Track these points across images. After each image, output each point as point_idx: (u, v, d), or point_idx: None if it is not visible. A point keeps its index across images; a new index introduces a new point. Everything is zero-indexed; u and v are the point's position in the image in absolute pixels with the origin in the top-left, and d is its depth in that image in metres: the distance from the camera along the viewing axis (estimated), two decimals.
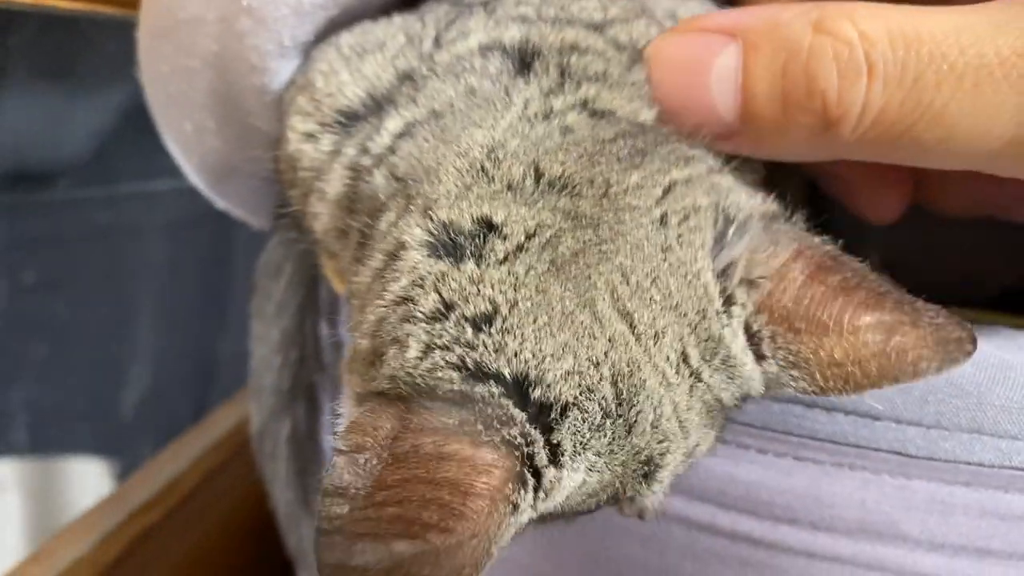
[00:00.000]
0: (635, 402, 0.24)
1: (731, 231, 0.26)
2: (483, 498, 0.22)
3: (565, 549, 0.35)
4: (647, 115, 0.30)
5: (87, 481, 0.69)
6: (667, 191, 0.26)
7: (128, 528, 0.53)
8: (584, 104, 0.28)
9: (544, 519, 0.25)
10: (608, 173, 0.26)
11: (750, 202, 0.27)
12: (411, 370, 0.24)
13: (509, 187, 0.26)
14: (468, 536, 0.21)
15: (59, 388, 0.59)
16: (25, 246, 0.53)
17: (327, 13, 0.33)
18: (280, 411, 0.43)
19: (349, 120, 0.30)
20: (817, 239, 0.26)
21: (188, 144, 0.41)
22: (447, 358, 0.24)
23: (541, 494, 0.23)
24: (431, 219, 0.26)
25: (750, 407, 0.31)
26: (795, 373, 0.25)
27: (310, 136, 0.31)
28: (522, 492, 0.23)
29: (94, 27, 0.52)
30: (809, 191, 0.41)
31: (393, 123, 0.29)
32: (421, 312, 0.24)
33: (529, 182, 0.26)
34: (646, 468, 0.25)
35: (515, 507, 0.23)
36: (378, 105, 0.30)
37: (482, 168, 0.26)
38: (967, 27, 0.26)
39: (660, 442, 0.25)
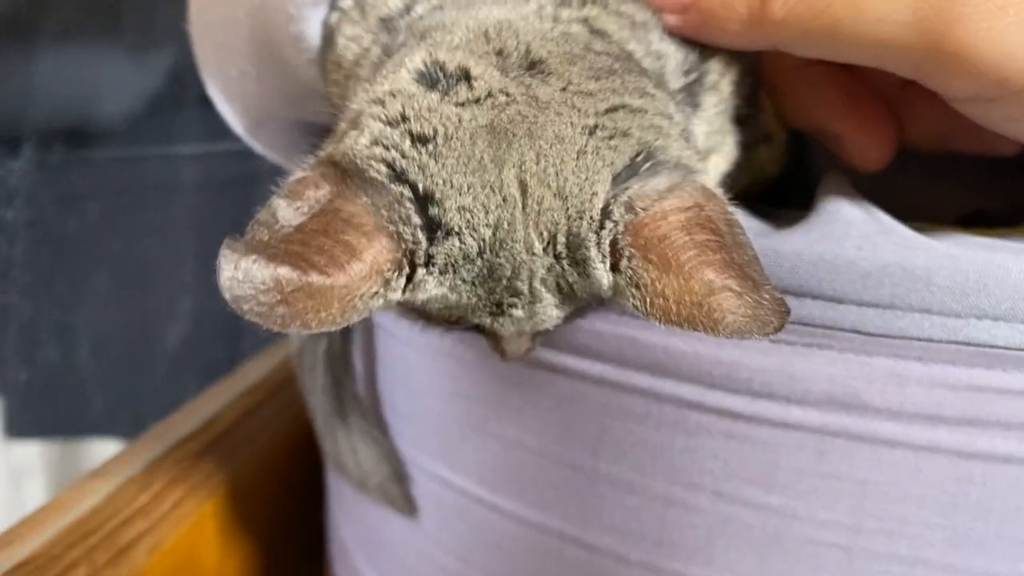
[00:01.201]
0: (501, 255, 0.29)
1: (645, 167, 0.29)
2: (364, 264, 0.27)
3: (571, 430, 0.39)
4: (633, 47, 0.34)
5: None
6: (611, 110, 0.30)
7: (172, 456, 0.57)
8: (585, 20, 0.33)
9: (414, 311, 0.31)
10: (576, 76, 0.31)
11: (679, 153, 0.31)
12: (358, 152, 0.29)
13: (499, 53, 0.31)
14: (340, 285, 0.26)
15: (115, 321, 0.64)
16: (83, 197, 0.58)
17: None
18: None
19: (388, 24, 0.36)
20: (721, 207, 0.29)
21: (232, 90, 0.46)
22: (384, 155, 0.29)
23: (409, 286, 0.29)
24: (430, 55, 0.31)
25: None
26: (634, 291, 0.28)
27: (356, 38, 0.36)
28: (395, 276, 0.28)
29: None
30: (793, 137, 0.46)
31: (423, 6, 0.35)
32: (385, 115, 0.29)
33: (516, 57, 0.31)
34: (496, 310, 0.30)
35: (386, 283, 0.28)
36: (408, 7, 0.35)
37: (486, 34, 0.32)
38: None
39: (511, 295, 0.30)
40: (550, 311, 0.31)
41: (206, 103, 0.49)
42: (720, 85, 0.37)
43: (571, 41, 0.32)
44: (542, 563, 0.41)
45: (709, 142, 0.37)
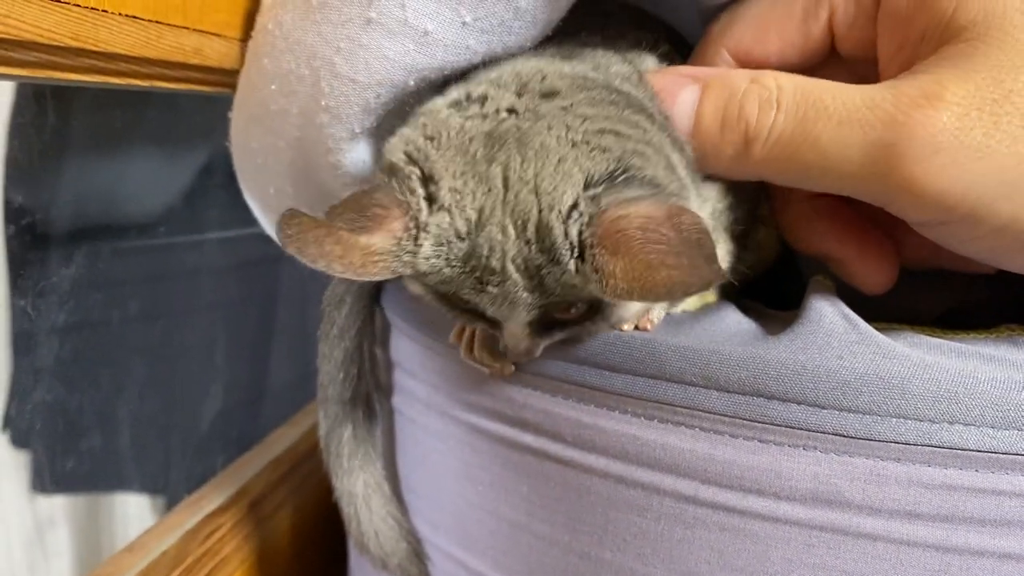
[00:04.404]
0: (481, 236, 0.34)
1: (620, 179, 0.34)
2: (382, 230, 0.34)
3: (577, 520, 0.41)
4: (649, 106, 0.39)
5: (132, 516, 0.75)
6: (601, 132, 0.36)
7: (203, 529, 0.60)
8: (608, 85, 0.39)
9: (433, 293, 0.37)
10: (579, 101, 0.37)
11: (655, 174, 0.35)
12: (389, 147, 0.37)
13: (523, 85, 0.38)
14: (363, 243, 0.34)
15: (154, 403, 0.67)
16: (123, 290, 0.62)
17: (388, 108, 0.42)
18: (343, 418, 0.51)
19: None
20: (687, 220, 0.32)
21: (269, 204, 0.50)
22: (404, 147, 0.36)
23: (415, 248, 0.35)
24: (465, 89, 0.38)
25: (720, 400, 0.38)
26: (594, 275, 0.33)
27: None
28: (405, 238, 0.35)
29: (187, 100, 0.61)
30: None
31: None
32: (412, 124, 0.38)
33: (535, 87, 0.37)
34: (478, 285, 0.35)
35: (399, 243, 0.34)
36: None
37: (519, 74, 0.38)
38: (845, 88, 0.35)
39: (488, 273, 0.35)
40: (521, 293, 0.35)
41: (231, 191, 0.53)
42: (716, 205, 0.41)
43: (589, 82, 0.38)
44: None
45: None
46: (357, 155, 0.43)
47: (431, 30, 0.39)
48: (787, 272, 0.52)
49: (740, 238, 0.44)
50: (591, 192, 0.34)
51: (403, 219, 0.35)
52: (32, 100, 0.55)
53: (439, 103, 0.38)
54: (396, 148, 0.37)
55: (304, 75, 0.41)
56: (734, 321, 0.41)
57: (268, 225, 0.51)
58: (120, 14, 0.40)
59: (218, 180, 0.66)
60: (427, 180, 0.35)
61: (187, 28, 0.45)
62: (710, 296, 0.45)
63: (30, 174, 0.57)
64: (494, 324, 0.38)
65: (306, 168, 0.45)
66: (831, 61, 0.41)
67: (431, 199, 0.35)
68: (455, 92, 0.38)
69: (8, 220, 0.56)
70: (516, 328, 0.37)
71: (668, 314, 0.43)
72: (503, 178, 0.35)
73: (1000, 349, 0.38)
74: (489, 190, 0.35)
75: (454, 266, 0.35)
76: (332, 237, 0.33)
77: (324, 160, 0.43)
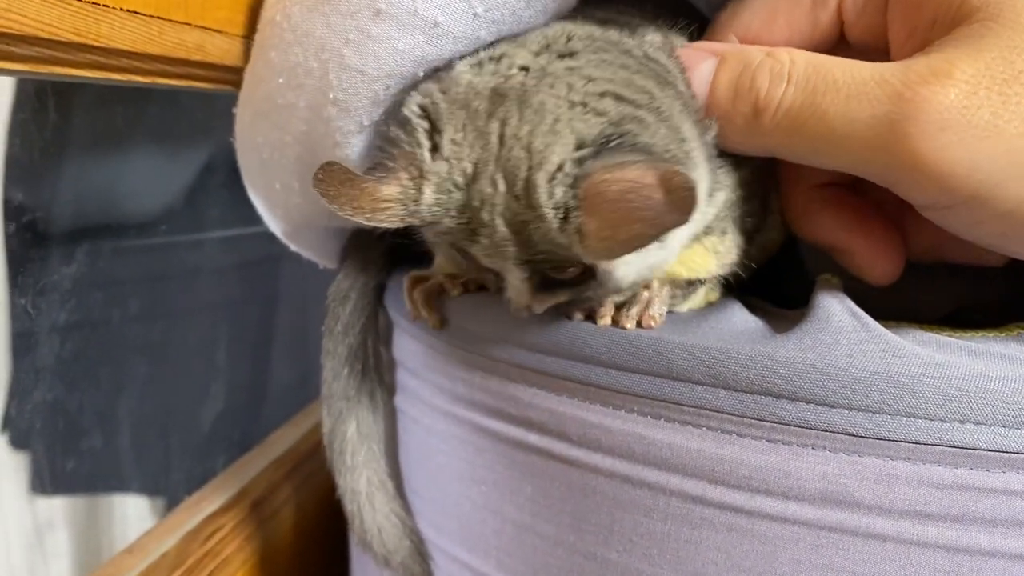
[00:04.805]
0: (475, 189, 0.36)
1: (612, 144, 0.34)
2: (389, 180, 0.36)
3: (583, 520, 0.41)
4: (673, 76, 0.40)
5: (132, 517, 0.75)
6: (603, 94, 0.36)
7: (203, 530, 0.60)
8: (640, 46, 0.40)
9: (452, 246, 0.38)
10: (589, 63, 0.37)
11: (652, 142, 0.35)
12: (406, 100, 0.39)
13: (546, 45, 0.38)
14: (369, 188, 0.35)
15: (154, 402, 0.67)
16: (124, 289, 0.62)
17: (397, 98, 0.42)
18: (347, 414, 0.50)
19: None
20: (672, 182, 0.31)
21: (275, 200, 0.50)
22: (419, 100, 0.38)
23: (420, 196, 0.36)
24: (495, 47, 0.39)
25: (728, 399, 0.38)
26: (575, 236, 0.34)
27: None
28: (411, 187, 0.36)
29: (188, 97, 0.61)
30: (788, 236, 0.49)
31: None
32: (431, 80, 0.39)
33: (557, 47, 0.38)
34: (472, 236, 0.37)
35: (404, 191, 0.36)
36: None
37: (546, 35, 0.39)
38: (856, 64, 0.36)
39: (479, 225, 0.36)
40: (509, 247, 0.36)
41: (233, 189, 0.53)
42: (729, 195, 0.41)
43: (608, 45, 0.38)
44: None
45: (713, 224, 0.42)
46: (365, 148, 0.43)
47: (441, 22, 0.39)
48: (791, 270, 0.51)
49: (750, 234, 0.43)
50: (579, 155, 0.34)
51: (409, 168, 0.36)
52: (33, 97, 0.55)
53: (461, 63, 0.39)
54: (412, 101, 0.38)
55: (312, 68, 0.41)
56: (741, 319, 0.41)
57: (272, 222, 0.51)
58: (122, 9, 0.40)
59: (219, 178, 0.66)
60: (434, 131, 0.37)
61: (189, 24, 0.45)
62: (713, 294, 0.45)
63: (30, 171, 0.57)
64: (498, 276, 0.39)
65: (313, 162, 0.44)
66: (840, 49, 0.41)
67: (435, 149, 0.36)
68: (482, 52, 0.39)
69: (8, 218, 0.56)
70: (516, 282, 0.38)
71: (673, 312, 0.43)
72: (499, 134, 0.35)
73: (1011, 348, 0.37)
74: (486, 144, 0.36)
75: (452, 216, 0.36)
76: (351, 184, 0.35)
77: (332, 154, 0.43)
